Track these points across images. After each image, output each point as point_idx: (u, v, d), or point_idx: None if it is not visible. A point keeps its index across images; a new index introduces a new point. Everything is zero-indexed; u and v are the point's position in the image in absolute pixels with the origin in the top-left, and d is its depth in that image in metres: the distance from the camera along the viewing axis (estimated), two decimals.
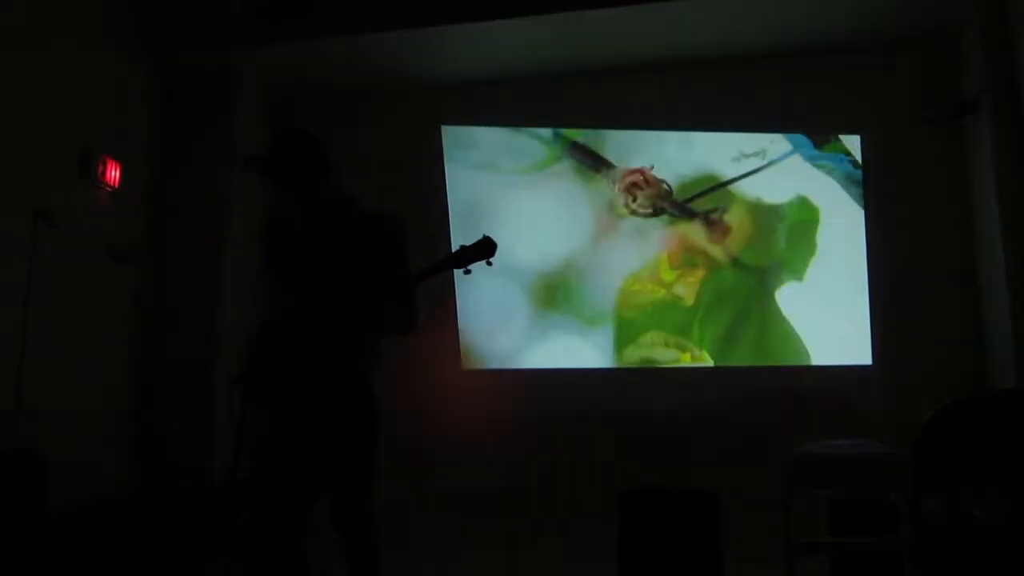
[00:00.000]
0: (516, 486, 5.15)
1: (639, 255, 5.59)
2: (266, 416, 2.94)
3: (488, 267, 2.85)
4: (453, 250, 2.88)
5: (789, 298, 5.45)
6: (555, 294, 5.61)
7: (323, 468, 2.92)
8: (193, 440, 5.10)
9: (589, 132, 5.77)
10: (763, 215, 5.54)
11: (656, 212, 5.62)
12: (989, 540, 2.64)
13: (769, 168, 5.56)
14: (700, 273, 5.52)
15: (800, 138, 5.58)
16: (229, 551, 2.94)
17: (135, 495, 4.66)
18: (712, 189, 5.59)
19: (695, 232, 5.56)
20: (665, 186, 5.60)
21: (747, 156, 5.58)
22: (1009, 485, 2.67)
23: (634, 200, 5.60)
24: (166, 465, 5.07)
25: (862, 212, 5.46)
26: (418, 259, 3.00)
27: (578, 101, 5.76)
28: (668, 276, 5.55)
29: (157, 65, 5.51)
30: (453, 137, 5.85)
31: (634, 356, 5.53)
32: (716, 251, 5.54)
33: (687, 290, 5.52)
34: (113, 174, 4.99)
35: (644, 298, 5.54)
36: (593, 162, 5.70)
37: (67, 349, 4.61)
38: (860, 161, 5.51)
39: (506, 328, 5.65)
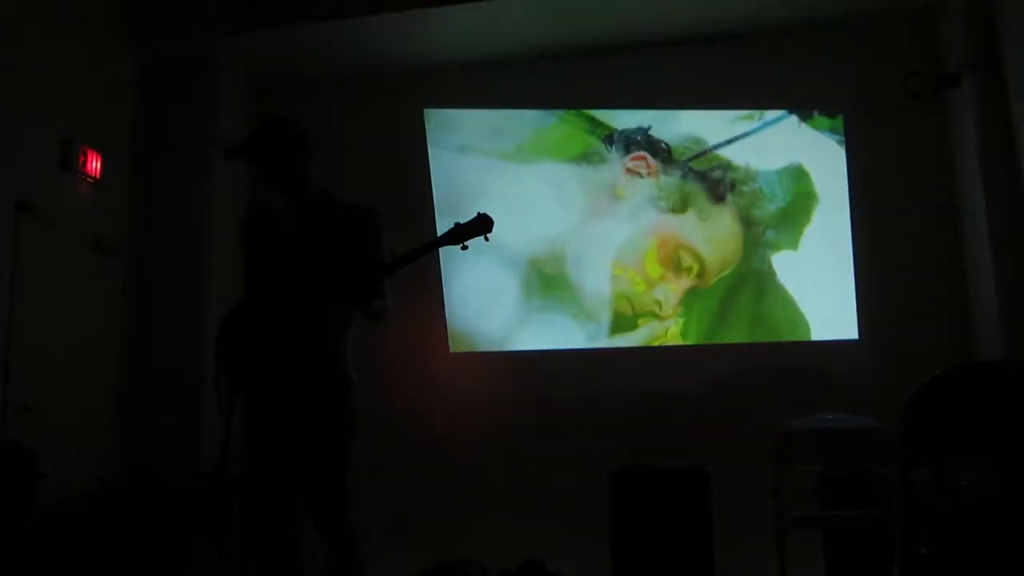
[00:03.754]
0: (506, 468, 5.16)
1: (632, 239, 5.58)
2: (246, 402, 2.95)
3: (468, 250, 2.88)
4: (439, 233, 2.91)
5: (785, 267, 5.45)
6: (544, 276, 5.60)
7: (299, 452, 2.92)
8: (183, 433, 5.08)
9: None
10: (760, 180, 5.52)
11: (653, 173, 5.59)
12: (977, 511, 2.67)
13: (765, 130, 5.53)
14: (685, 282, 5.51)
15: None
16: (220, 541, 2.95)
17: (125, 489, 4.65)
18: (709, 150, 5.56)
19: (687, 226, 5.54)
20: (663, 146, 5.58)
21: (742, 119, 5.56)
22: (996, 456, 2.69)
23: (633, 160, 5.58)
24: (157, 459, 5.06)
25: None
26: (400, 245, 3.01)
27: (563, 81, 5.73)
28: (654, 272, 5.54)
29: (137, 54, 5.47)
30: (437, 120, 5.82)
31: (623, 337, 5.53)
32: (720, 209, 5.50)
33: (669, 293, 5.52)
34: (94, 165, 4.96)
35: (635, 278, 5.54)
36: (604, 132, 5.66)
37: (53, 343, 4.59)
38: (843, 137, 5.51)
39: (494, 311, 5.64)
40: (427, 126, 5.79)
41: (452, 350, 5.65)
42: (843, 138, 5.47)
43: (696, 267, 5.51)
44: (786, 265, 5.45)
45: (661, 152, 5.58)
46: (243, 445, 2.98)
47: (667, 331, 5.47)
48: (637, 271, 5.54)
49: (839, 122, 5.51)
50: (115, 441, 5.14)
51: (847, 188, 5.41)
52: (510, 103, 5.79)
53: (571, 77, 5.69)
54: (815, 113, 5.55)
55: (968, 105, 4.82)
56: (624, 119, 5.66)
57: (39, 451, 3.92)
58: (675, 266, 5.53)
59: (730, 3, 5.25)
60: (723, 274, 5.48)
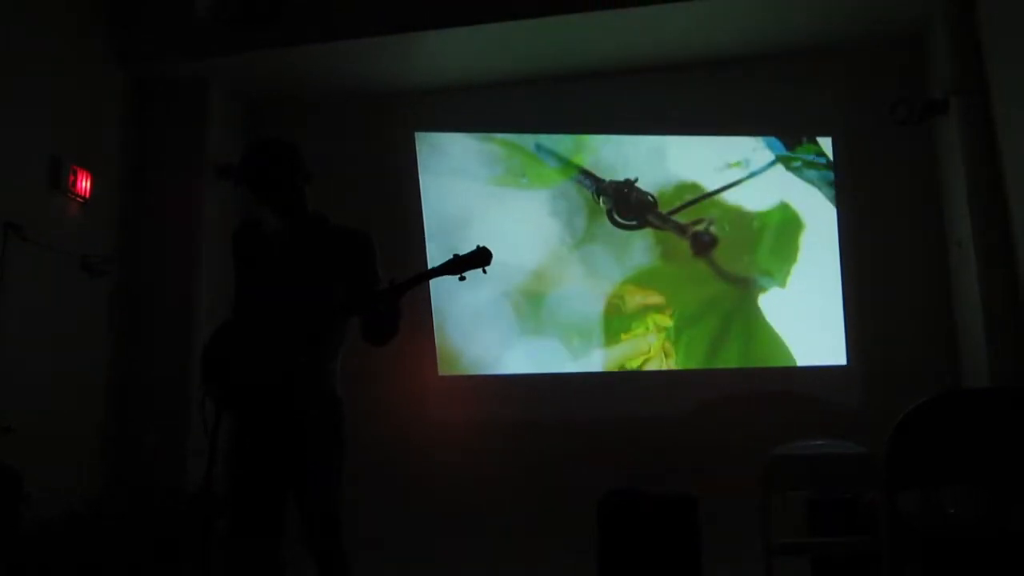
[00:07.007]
0: (494, 491, 5.14)
1: (619, 265, 5.59)
2: (233, 421, 2.93)
3: (465, 280, 2.88)
4: (432, 258, 2.91)
5: (772, 304, 5.47)
6: (533, 300, 5.60)
7: (288, 474, 2.90)
8: (169, 453, 5.05)
9: (568, 141, 5.77)
10: (747, 224, 5.56)
11: (641, 224, 5.62)
12: (963, 536, 2.67)
13: (752, 179, 5.58)
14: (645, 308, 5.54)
15: (776, 143, 5.60)
16: (206, 561, 2.92)
17: (110, 510, 4.61)
18: (695, 201, 5.59)
19: (667, 261, 5.57)
20: (650, 199, 5.61)
21: (730, 166, 5.60)
22: (982, 482, 2.70)
23: (619, 212, 5.61)
24: (142, 479, 5.02)
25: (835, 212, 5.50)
26: (389, 268, 3.01)
27: (553, 106, 5.76)
28: (627, 291, 5.58)
29: (127, 74, 5.48)
30: (427, 144, 5.84)
31: (612, 362, 5.53)
32: (701, 265, 5.54)
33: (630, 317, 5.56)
34: (84, 184, 4.95)
35: (623, 305, 5.55)
36: (592, 183, 5.69)
37: (39, 363, 4.56)
38: (831, 162, 5.55)
39: (483, 334, 5.64)
40: (418, 149, 5.81)
41: (440, 372, 5.64)
42: (830, 172, 5.50)
43: (660, 302, 5.53)
44: (774, 298, 5.47)
45: (648, 204, 5.61)
46: (228, 465, 2.95)
47: (650, 349, 5.48)
48: (616, 292, 5.56)
49: (825, 149, 5.55)
50: (101, 461, 5.10)
51: (835, 216, 5.45)
52: (502, 127, 5.81)
53: (562, 102, 5.72)
54: (803, 140, 5.59)
55: (954, 131, 4.85)
56: (611, 170, 5.69)
57: (23, 472, 3.89)
58: (642, 294, 5.54)
59: (720, 30, 5.29)
60: (685, 316, 5.52)
